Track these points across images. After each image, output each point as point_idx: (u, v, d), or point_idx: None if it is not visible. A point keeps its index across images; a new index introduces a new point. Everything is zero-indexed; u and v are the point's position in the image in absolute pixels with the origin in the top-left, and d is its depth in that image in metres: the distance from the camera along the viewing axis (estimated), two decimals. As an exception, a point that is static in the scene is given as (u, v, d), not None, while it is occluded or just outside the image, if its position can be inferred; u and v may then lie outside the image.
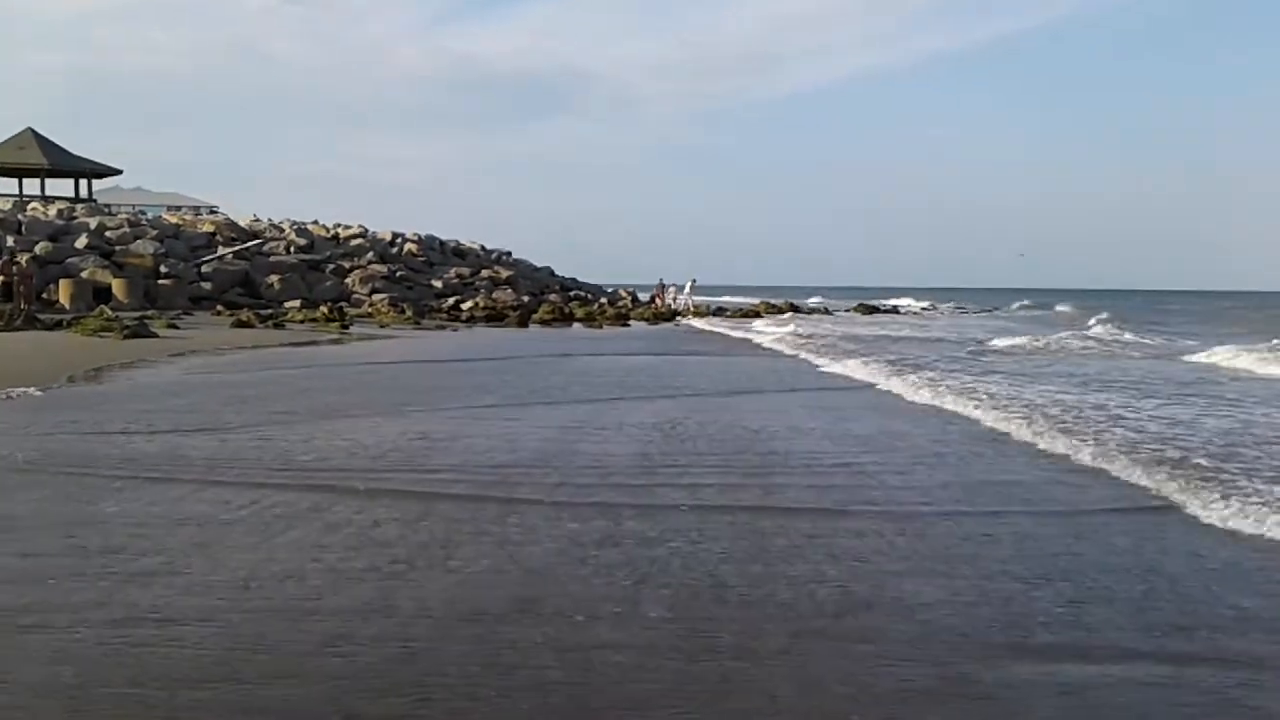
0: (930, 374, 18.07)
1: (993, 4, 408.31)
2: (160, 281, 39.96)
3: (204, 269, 42.83)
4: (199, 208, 71.25)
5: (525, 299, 48.23)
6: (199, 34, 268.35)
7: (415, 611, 5.19)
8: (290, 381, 17.05)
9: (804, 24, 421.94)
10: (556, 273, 62.26)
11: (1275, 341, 23.98)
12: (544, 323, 41.11)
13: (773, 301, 63.60)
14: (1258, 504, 7.38)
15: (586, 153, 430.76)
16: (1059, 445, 10.28)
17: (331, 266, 47.47)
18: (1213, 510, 7.41)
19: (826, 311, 60.98)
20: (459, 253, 56.82)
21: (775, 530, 6.94)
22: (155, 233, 45.21)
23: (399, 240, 53.69)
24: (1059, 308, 69.20)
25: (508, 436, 10.96)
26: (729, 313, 54.00)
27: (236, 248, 45.78)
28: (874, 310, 64.24)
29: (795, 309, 59.60)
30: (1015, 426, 11.55)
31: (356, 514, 7.29)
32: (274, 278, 43.63)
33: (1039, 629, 5.00)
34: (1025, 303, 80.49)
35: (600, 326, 40.57)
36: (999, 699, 4.23)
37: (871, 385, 17.23)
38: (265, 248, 47.40)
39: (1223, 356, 22.48)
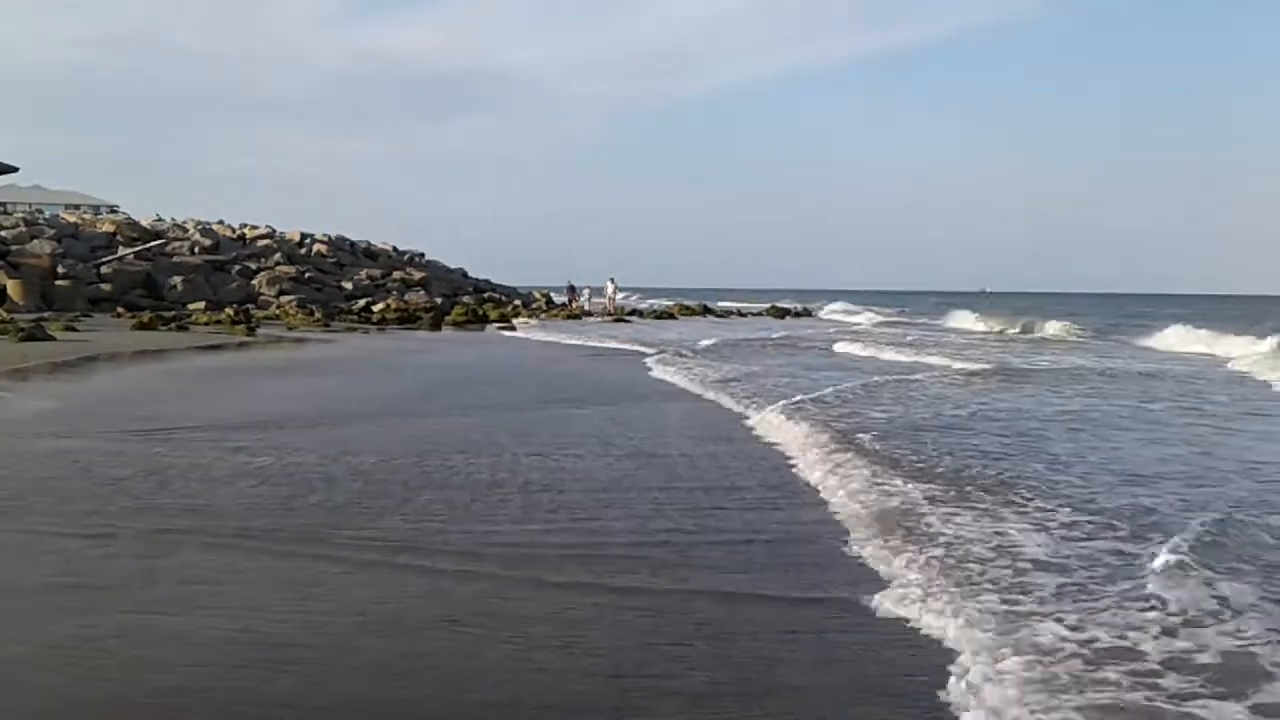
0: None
1: (911, 9, 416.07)
2: (58, 282, 38.74)
3: (104, 270, 41.65)
4: (99, 207, 69.33)
5: (438, 301, 47.84)
6: (100, 25, 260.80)
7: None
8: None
9: (723, 25, 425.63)
10: (470, 274, 61.91)
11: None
12: (457, 325, 40.82)
13: (687, 303, 64.33)
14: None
15: (502, 152, 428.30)
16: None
17: (238, 268, 46.52)
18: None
19: (740, 314, 61.68)
20: (370, 254, 56.13)
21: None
22: (53, 232, 43.88)
23: (308, 241, 52.83)
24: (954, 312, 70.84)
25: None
26: (645, 313, 54.53)
27: (138, 248, 44.60)
28: (785, 314, 64.89)
29: (709, 310, 60.47)
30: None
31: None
32: (177, 279, 42.60)
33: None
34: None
35: (513, 328, 40.47)
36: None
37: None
38: (168, 248, 46.27)
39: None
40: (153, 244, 45.56)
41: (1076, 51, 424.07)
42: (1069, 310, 59.08)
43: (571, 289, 58.35)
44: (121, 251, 43.93)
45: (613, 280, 57.84)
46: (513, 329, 39.26)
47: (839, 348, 27.56)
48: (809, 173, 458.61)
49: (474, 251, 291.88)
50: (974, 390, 16.25)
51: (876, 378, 17.66)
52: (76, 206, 66.73)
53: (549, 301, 57.26)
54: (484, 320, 43.31)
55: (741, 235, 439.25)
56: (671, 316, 54.16)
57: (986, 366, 20.79)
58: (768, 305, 71.25)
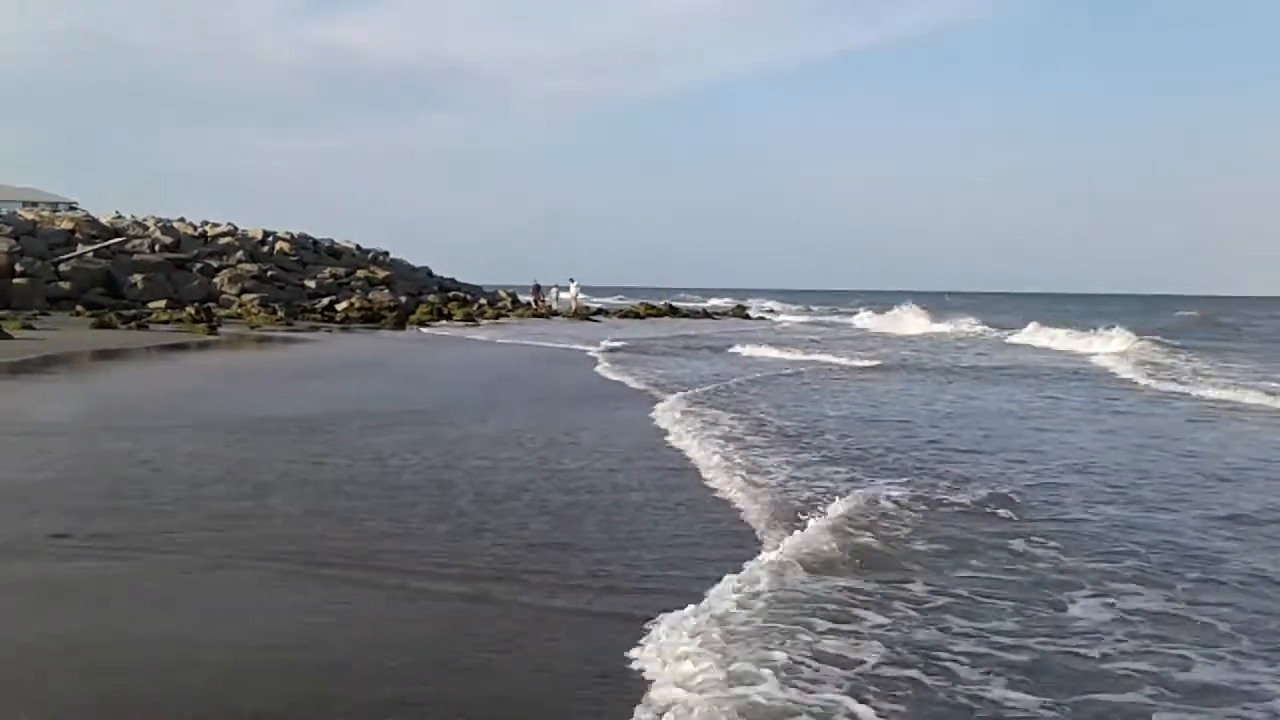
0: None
1: (871, 10, 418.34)
2: (15, 281, 38.14)
3: (63, 268, 41.07)
4: (57, 204, 68.17)
5: (402, 299, 47.62)
6: (56, 20, 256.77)
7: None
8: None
9: (685, 24, 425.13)
10: (435, 273, 61.66)
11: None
12: (422, 323, 40.74)
13: (653, 303, 64.44)
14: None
15: (465, 150, 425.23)
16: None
17: (199, 266, 46.05)
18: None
19: (707, 314, 61.93)
20: (333, 252, 55.74)
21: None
22: (10, 230, 43.21)
23: (270, 239, 52.36)
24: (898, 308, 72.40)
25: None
26: (610, 312, 54.71)
27: (98, 246, 44.04)
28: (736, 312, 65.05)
29: (674, 310, 60.56)
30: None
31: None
32: (138, 277, 42.10)
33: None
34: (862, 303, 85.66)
35: (478, 325, 40.46)
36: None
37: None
38: (128, 246, 45.71)
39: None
40: (112, 241, 44.99)
41: (1043, 51, 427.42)
42: (1013, 309, 60.58)
43: (537, 288, 58.37)
44: (81, 249, 43.36)
45: (573, 280, 57.94)
46: (478, 326, 39.26)
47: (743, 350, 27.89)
48: (777, 172, 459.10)
49: (439, 250, 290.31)
50: (847, 379, 19.45)
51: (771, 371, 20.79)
52: (34, 204, 65.59)
53: (515, 300, 57.22)
54: (448, 319, 43.50)
55: (711, 234, 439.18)
56: (637, 316, 54.31)
57: (873, 363, 23.34)
58: (734, 305, 71.69)
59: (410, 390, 17.32)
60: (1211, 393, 17.29)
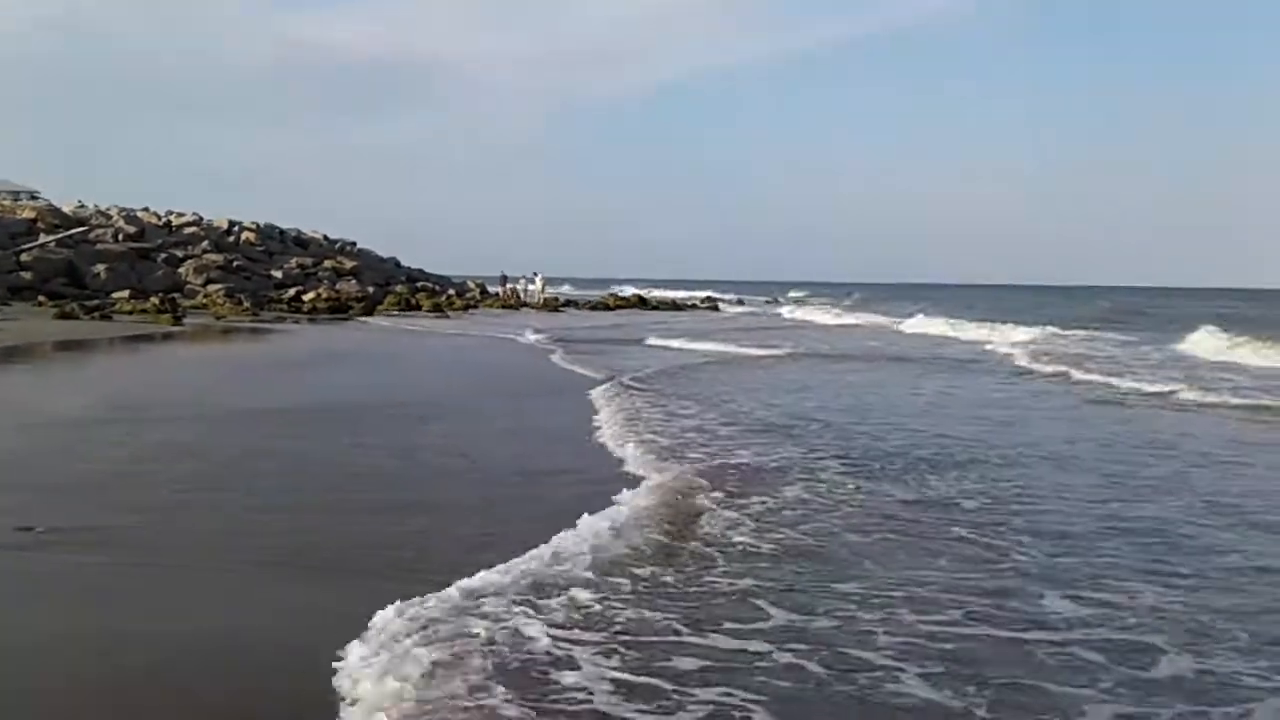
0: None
1: (841, 5, 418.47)
2: (-26, 270, 37.69)
3: (24, 257, 40.59)
4: (19, 193, 67.25)
5: (370, 290, 47.42)
6: (23, 9, 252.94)
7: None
8: None
9: (659, 21, 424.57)
10: (403, 264, 61.39)
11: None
12: (367, 314, 40.71)
13: (622, 294, 64.71)
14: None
15: (434, 144, 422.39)
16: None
17: (163, 256, 45.62)
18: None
19: (676, 306, 62.15)
20: (300, 242, 55.36)
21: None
22: (-31, 219, 42.60)
23: (236, 229, 51.93)
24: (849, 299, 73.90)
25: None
26: (580, 304, 54.81)
27: (60, 235, 43.53)
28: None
29: (643, 301, 60.62)
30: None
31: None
32: (101, 267, 41.66)
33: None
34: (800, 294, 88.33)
35: (447, 316, 40.36)
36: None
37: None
38: (91, 235, 45.21)
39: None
40: (75, 231, 44.49)
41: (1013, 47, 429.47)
42: (958, 302, 61.96)
43: (504, 279, 58.51)
44: (43, 239, 42.85)
45: (537, 274, 58.08)
46: (447, 317, 39.15)
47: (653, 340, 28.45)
48: (752, 170, 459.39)
49: (407, 241, 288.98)
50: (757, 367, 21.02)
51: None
52: (-5, 192, 64.82)
53: (483, 291, 57.16)
54: (417, 310, 43.49)
55: (684, 229, 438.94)
56: (606, 307, 54.39)
57: (781, 352, 24.28)
58: (704, 295, 72.04)
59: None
60: (1049, 368, 20.29)
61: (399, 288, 50.94)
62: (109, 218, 49.06)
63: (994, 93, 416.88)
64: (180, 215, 52.26)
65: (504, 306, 49.75)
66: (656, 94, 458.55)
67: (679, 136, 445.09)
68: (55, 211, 48.29)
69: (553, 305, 52.11)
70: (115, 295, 37.97)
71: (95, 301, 35.22)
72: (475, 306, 48.88)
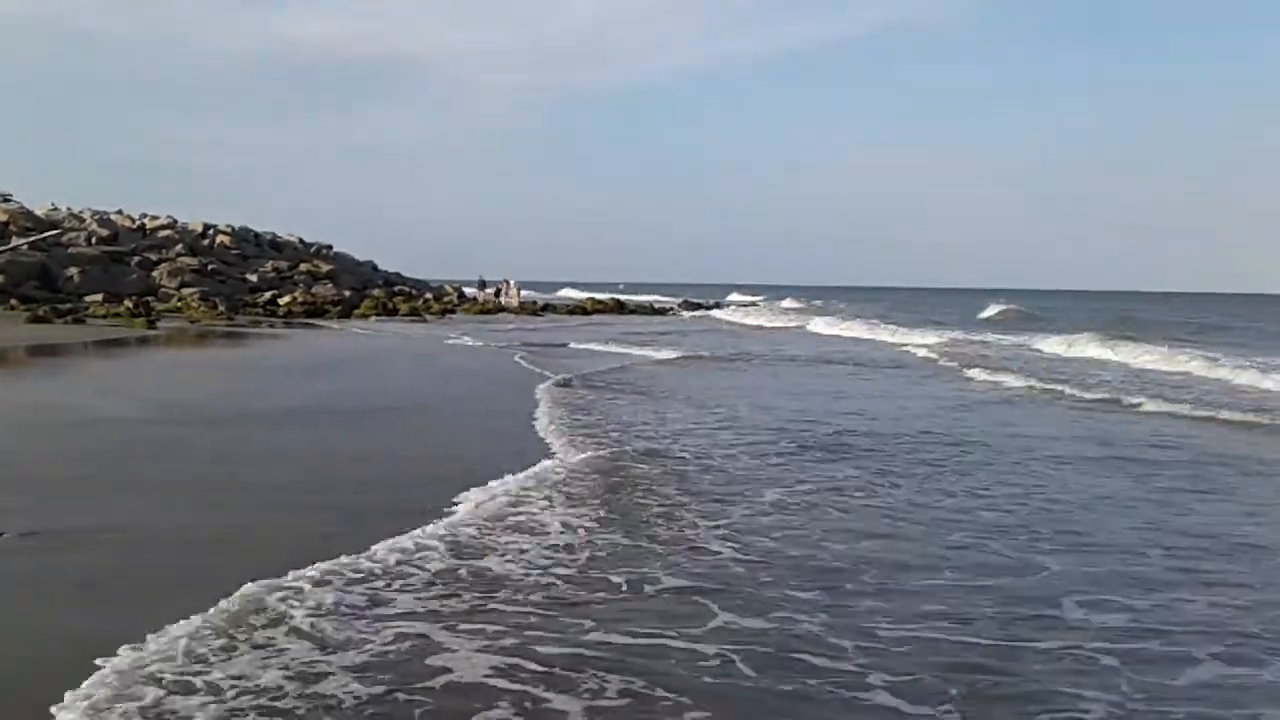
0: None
1: (822, 6, 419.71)
2: (-55, 274, 37.25)
3: (-5, 261, 40.14)
4: (-10, 195, 66.63)
5: (346, 294, 47.18)
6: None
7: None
8: None
9: (638, 19, 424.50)
10: (380, 267, 61.15)
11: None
12: (365, 318, 40.49)
13: (598, 297, 64.66)
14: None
15: (410, 144, 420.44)
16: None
17: (137, 259, 45.26)
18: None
19: (654, 308, 62.21)
20: (276, 245, 55.04)
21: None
22: (-61, 221, 42.12)
23: (211, 232, 51.58)
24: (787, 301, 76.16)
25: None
26: (558, 308, 54.70)
27: (32, 238, 43.09)
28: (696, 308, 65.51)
29: (621, 305, 60.64)
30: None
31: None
32: (74, 270, 41.27)
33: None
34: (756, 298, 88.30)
35: (424, 319, 40.24)
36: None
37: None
38: (64, 238, 44.80)
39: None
40: (48, 234, 44.05)
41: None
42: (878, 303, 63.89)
43: (483, 284, 58.29)
44: (15, 242, 42.39)
45: (508, 280, 58.17)
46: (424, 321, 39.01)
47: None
48: (731, 169, 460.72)
49: (385, 245, 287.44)
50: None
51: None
52: (-35, 195, 64.11)
53: (461, 295, 56.98)
54: (393, 314, 43.37)
55: (668, 229, 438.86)
56: (584, 312, 54.31)
57: (677, 355, 24.69)
58: (682, 301, 72.15)
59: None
60: (922, 351, 26.15)
61: (376, 291, 50.72)
62: (82, 221, 48.62)
63: (992, 92, 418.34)
64: (154, 218, 51.85)
65: (482, 311, 49.58)
66: (650, 91, 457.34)
67: (680, 136, 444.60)
68: (28, 214, 47.78)
69: (530, 310, 52.02)
70: (88, 299, 37.65)
71: (68, 305, 34.91)
72: (453, 311, 48.66)
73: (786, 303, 72.29)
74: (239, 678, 4.45)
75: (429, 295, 54.25)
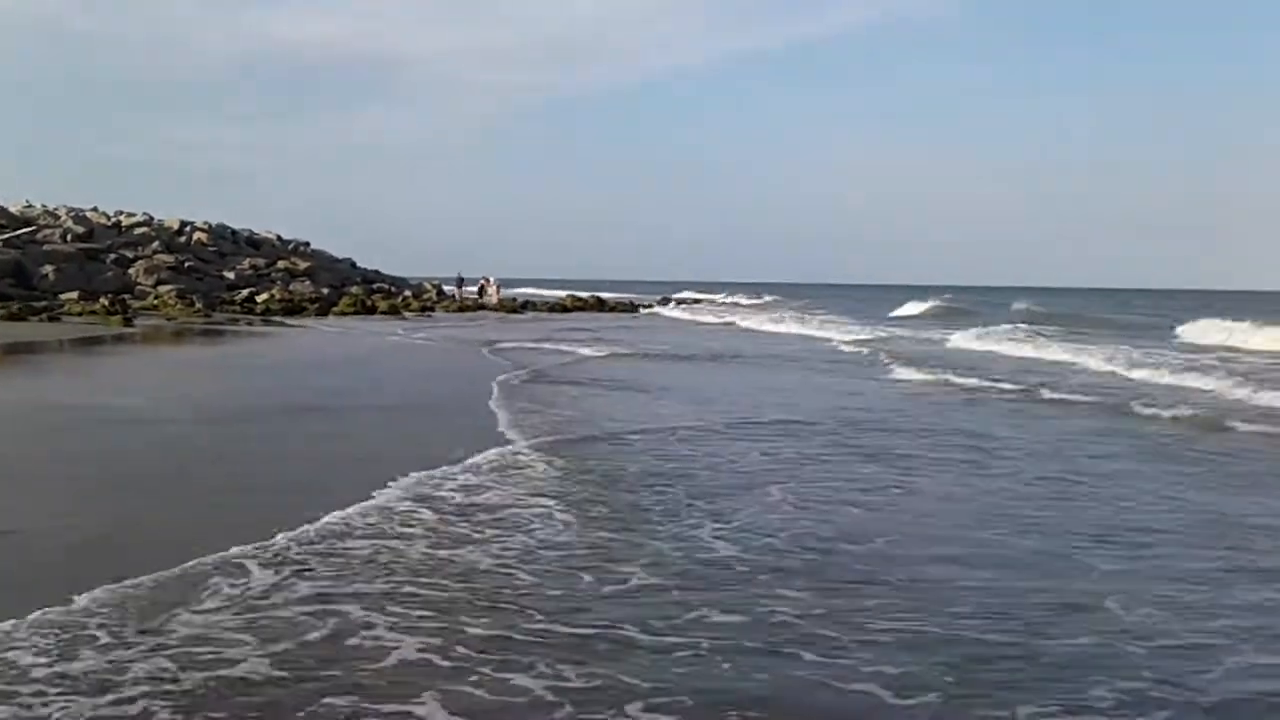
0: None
1: (822, 6, 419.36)
2: (-83, 271, 36.89)
3: (-31, 258, 39.77)
4: (-37, 192, 66.06)
5: (325, 291, 47.01)
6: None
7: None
8: None
9: (638, 18, 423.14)
10: (359, 265, 60.96)
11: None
12: (344, 316, 40.38)
13: (579, 295, 64.60)
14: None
15: (390, 141, 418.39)
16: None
17: (113, 256, 44.95)
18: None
19: (632, 306, 62.34)
20: (253, 243, 54.79)
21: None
22: (-88, 219, 41.75)
23: (187, 229, 51.29)
24: (767, 296, 76.65)
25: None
26: (539, 305, 54.78)
27: (7, 235, 42.72)
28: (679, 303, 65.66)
29: (602, 303, 60.67)
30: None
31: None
32: (49, 268, 40.91)
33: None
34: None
35: (403, 317, 40.18)
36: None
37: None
38: (39, 236, 44.43)
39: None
40: (22, 231, 43.69)
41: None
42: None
43: (461, 280, 58.13)
44: (-12, 239, 42.03)
45: (487, 278, 58.26)
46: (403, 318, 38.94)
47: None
48: (731, 169, 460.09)
49: (362, 242, 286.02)
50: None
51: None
52: (-62, 191, 63.49)
53: (440, 292, 56.83)
54: (372, 312, 43.23)
55: (668, 229, 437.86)
56: (564, 309, 54.30)
57: (605, 353, 24.74)
58: (660, 298, 72.29)
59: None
60: (848, 347, 28.04)
61: (354, 289, 50.52)
62: (57, 218, 48.26)
63: (994, 91, 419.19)
64: (130, 215, 51.54)
65: (460, 309, 49.45)
66: (650, 91, 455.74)
67: (680, 135, 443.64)
68: (2, 211, 47.39)
69: (510, 307, 51.98)
70: (64, 296, 37.37)
71: (43, 303, 34.64)
72: (432, 309, 48.49)
73: (738, 298, 73.31)
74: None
75: (408, 293, 54.09)
